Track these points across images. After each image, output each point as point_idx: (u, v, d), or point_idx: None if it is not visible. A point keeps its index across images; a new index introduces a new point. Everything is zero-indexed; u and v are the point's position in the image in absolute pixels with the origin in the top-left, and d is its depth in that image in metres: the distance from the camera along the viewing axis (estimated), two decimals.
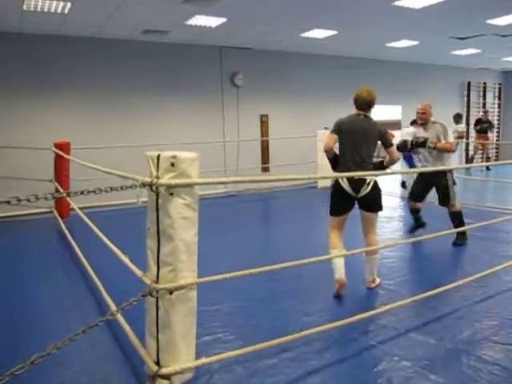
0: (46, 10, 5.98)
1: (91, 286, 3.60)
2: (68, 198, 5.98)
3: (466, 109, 13.34)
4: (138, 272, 2.33)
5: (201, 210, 2.23)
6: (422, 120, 4.65)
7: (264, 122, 9.53)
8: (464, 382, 2.29)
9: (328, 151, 3.59)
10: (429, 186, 4.80)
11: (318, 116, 10.13)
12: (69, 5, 5.83)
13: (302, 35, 8.19)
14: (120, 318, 2.59)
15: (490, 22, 7.37)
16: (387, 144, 3.54)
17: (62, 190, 5.90)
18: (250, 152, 9.38)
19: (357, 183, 3.38)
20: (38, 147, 6.65)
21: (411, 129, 5.16)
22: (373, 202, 3.48)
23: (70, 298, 3.63)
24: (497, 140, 13.60)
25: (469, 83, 13.29)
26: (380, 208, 3.55)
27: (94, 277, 3.50)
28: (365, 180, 3.38)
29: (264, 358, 2.52)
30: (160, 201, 2.11)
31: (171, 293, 2.12)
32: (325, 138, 3.85)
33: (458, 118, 10.47)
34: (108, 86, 8.02)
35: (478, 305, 3.26)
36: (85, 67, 7.73)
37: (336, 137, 3.56)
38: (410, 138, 4.69)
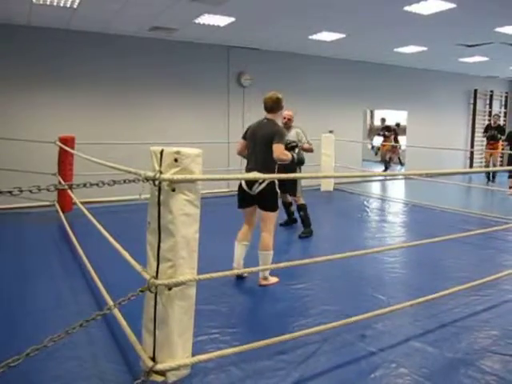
0: (55, 3, 5.99)
1: (90, 281, 3.59)
2: (70, 192, 5.98)
3: (471, 116, 13.31)
4: (138, 267, 2.32)
5: (202, 209, 2.22)
6: (287, 125, 5.39)
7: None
8: None
9: (239, 155, 4.12)
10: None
11: (323, 119, 10.12)
12: None
13: (310, 37, 8.18)
14: (117, 312, 2.57)
15: (498, 30, 7.35)
16: (274, 141, 3.69)
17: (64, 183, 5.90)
18: None
19: (251, 182, 3.70)
20: (43, 140, 6.66)
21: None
22: (265, 201, 3.74)
23: (68, 292, 3.62)
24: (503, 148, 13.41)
25: (475, 91, 13.26)
26: (273, 208, 3.77)
27: (92, 271, 3.49)
28: (256, 181, 3.67)
29: (260, 359, 2.50)
30: (162, 196, 2.09)
31: (170, 289, 2.11)
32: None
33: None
34: (114, 82, 8.03)
35: (478, 314, 3.23)
36: (91, 62, 7.74)
37: (243, 141, 4.01)
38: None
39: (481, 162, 13.22)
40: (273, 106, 3.86)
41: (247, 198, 3.81)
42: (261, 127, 3.83)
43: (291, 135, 5.24)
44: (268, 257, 3.75)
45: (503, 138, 10.50)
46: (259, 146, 3.76)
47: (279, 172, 4.41)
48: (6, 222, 6.24)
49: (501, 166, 12.97)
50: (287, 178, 3.73)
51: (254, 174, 3.63)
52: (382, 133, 13.29)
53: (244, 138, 4.00)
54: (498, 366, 2.50)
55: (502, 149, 10.54)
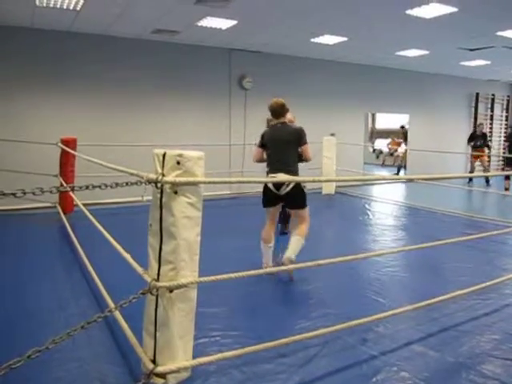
0: (58, 6, 6.01)
1: (91, 282, 3.59)
2: (72, 194, 6.00)
3: (473, 120, 13.30)
4: (139, 269, 2.32)
5: (204, 211, 2.22)
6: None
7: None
8: None
9: (257, 162, 4.26)
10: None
11: (325, 122, 10.13)
12: (81, 1, 5.86)
13: (313, 40, 8.20)
14: (118, 314, 2.58)
15: (500, 33, 7.36)
16: (302, 142, 4.00)
17: (66, 185, 5.91)
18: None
19: (278, 183, 3.87)
20: (44, 142, 6.68)
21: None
22: (295, 200, 3.95)
23: (69, 294, 3.62)
24: (503, 153, 13.42)
25: (477, 94, 13.26)
26: (303, 205, 3.99)
27: (93, 273, 3.50)
28: (285, 182, 3.87)
29: (261, 362, 2.50)
30: (164, 198, 2.10)
31: (171, 291, 2.11)
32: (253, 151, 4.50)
33: None
34: (116, 84, 8.05)
35: (480, 318, 3.22)
36: (93, 64, 7.76)
37: (260, 149, 4.16)
38: None
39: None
40: (281, 111, 4.05)
41: (273, 198, 3.96)
42: (280, 131, 4.01)
43: None
44: (299, 242, 3.87)
45: (488, 144, 10.95)
46: (282, 148, 3.95)
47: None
48: (8, 223, 6.25)
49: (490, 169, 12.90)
50: (292, 181, 3.86)
51: (282, 176, 3.84)
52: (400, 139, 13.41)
53: (261, 145, 4.14)
54: (499, 370, 2.49)
55: (489, 156, 10.98)
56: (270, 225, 4.15)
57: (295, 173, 3.94)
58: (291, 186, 3.82)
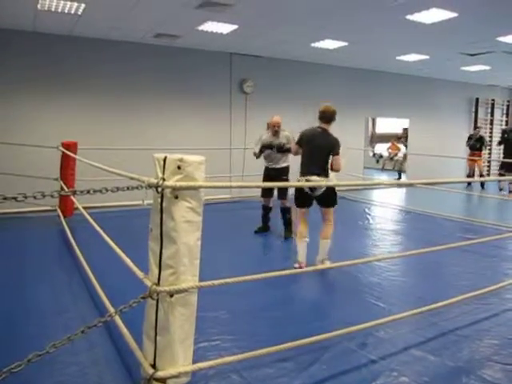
0: (60, 10, 6.04)
1: (91, 286, 3.59)
2: (72, 197, 6.00)
3: (473, 125, 13.32)
4: (140, 273, 2.32)
5: (204, 215, 2.22)
6: (277, 131, 5.69)
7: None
8: None
9: (295, 155, 4.62)
10: (273, 181, 5.53)
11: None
12: (83, 6, 5.89)
13: (313, 45, 8.23)
14: (118, 319, 2.58)
15: (500, 39, 7.38)
16: (334, 152, 4.26)
17: (66, 189, 5.92)
18: (255, 159, 9.37)
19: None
20: (45, 145, 6.69)
21: (264, 136, 5.91)
22: (328, 200, 4.31)
23: (68, 298, 3.63)
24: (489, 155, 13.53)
25: (477, 99, 13.29)
26: (334, 204, 4.36)
27: (92, 277, 3.49)
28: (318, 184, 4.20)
29: (261, 366, 2.50)
30: (164, 203, 2.10)
31: (172, 296, 2.11)
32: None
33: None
34: (117, 88, 8.07)
35: (479, 323, 3.23)
36: (95, 68, 7.79)
37: (297, 146, 4.49)
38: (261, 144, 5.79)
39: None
40: (331, 117, 4.29)
41: (307, 199, 4.34)
42: (317, 136, 4.29)
43: (282, 138, 5.66)
44: (327, 245, 4.28)
45: (484, 148, 11.45)
46: (318, 153, 4.25)
47: (269, 174, 5.66)
48: (7, 227, 6.25)
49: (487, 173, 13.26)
50: (295, 186, 4.23)
51: (315, 180, 4.18)
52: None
53: (298, 143, 4.49)
54: (499, 375, 2.49)
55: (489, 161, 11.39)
56: (303, 222, 4.45)
57: (326, 176, 4.26)
58: (324, 188, 4.17)
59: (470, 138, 11.53)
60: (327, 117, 4.27)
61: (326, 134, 4.26)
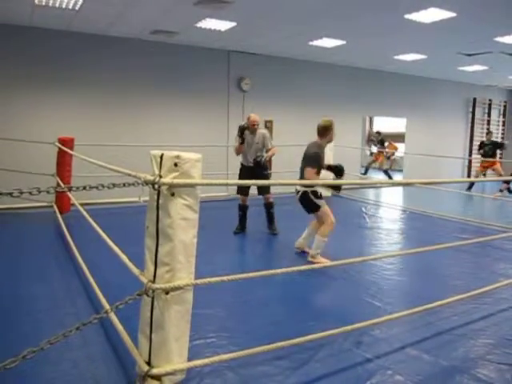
0: (57, 5, 6.01)
1: (86, 283, 3.58)
2: (69, 193, 5.98)
3: (470, 125, 13.37)
4: (135, 270, 2.31)
5: (201, 213, 2.22)
6: (254, 129, 5.71)
7: (268, 127, 9.53)
8: None
9: None
10: (252, 178, 5.34)
11: None
12: (80, 1, 5.86)
13: (311, 43, 8.22)
14: (113, 316, 2.57)
15: (498, 39, 7.40)
16: (306, 164, 4.59)
17: (63, 185, 5.89)
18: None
19: (296, 190, 4.66)
20: (41, 141, 6.66)
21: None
22: (305, 207, 4.63)
23: (64, 294, 3.61)
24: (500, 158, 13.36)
25: (474, 99, 13.33)
26: (314, 210, 4.59)
27: (88, 274, 3.48)
28: (297, 190, 4.61)
29: (256, 364, 2.50)
30: (161, 200, 2.10)
31: (167, 293, 2.10)
32: None
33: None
34: (114, 84, 8.05)
35: (474, 323, 3.24)
36: (92, 64, 7.76)
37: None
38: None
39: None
40: (319, 131, 4.68)
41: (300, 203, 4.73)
42: (307, 147, 4.69)
43: (258, 137, 5.70)
44: (320, 242, 4.51)
45: (501, 149, 10.42)
46: (302, 161, 4.66)
47: (245, 172, 5.75)
48: (3, 223, 6.23)
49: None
50: (299, 184, 4.37)
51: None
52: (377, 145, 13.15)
53: None
54: (493, 374, 2.50)
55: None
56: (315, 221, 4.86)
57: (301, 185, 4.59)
58: (300, 193, 4.55)
59: (481, 144, 10.55)
60: (317, 130, 4.69)
61: (311, 146, 4.64)
